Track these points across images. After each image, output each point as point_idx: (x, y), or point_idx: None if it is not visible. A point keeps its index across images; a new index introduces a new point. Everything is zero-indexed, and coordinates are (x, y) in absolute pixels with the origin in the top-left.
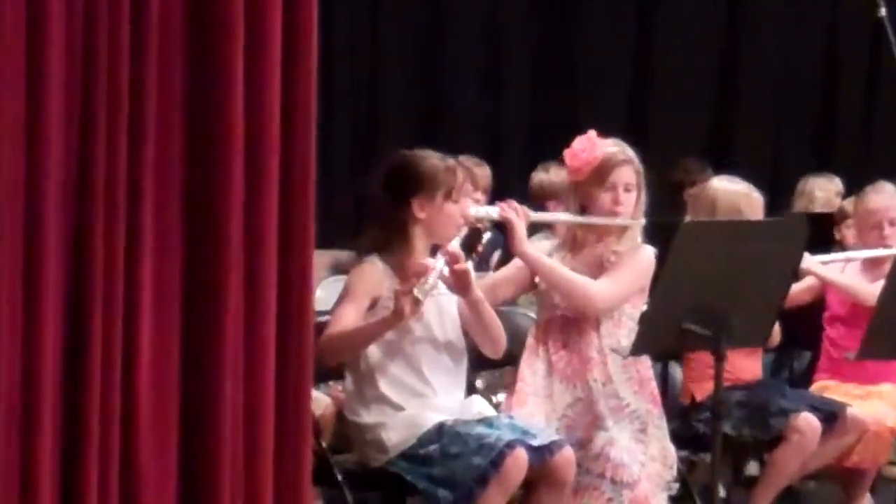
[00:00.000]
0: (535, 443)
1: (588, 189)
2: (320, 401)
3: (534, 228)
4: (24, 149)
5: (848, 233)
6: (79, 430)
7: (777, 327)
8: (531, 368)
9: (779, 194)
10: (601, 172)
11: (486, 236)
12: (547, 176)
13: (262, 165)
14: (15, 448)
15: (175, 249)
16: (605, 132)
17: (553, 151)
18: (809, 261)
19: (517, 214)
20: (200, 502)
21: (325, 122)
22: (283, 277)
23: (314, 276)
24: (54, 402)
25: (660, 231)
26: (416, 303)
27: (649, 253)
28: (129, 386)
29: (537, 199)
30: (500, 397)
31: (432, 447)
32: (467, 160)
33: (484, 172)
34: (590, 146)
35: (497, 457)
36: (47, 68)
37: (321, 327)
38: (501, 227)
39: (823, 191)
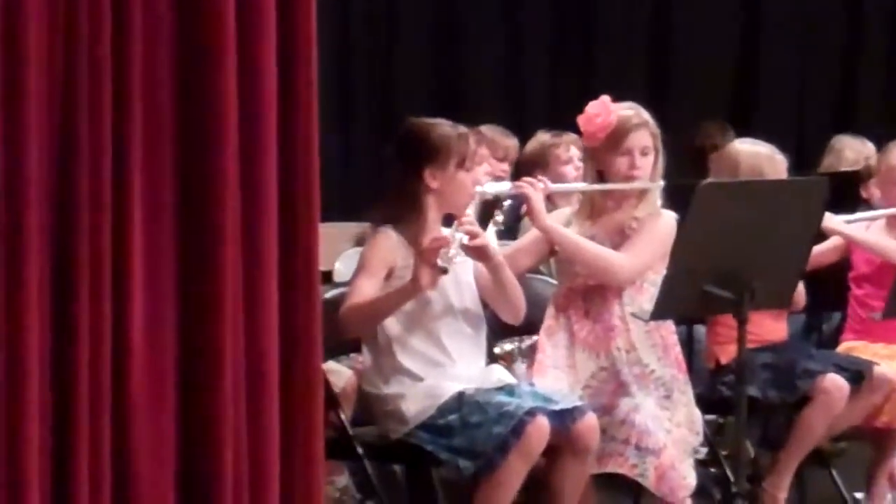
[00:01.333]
0: (557, 408)
1: (604, 154)
2: (342, 374)
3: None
4: (1, 124)
5: (875, 191)
6: (68, 396)
7: (802, 289)
8: (551, 340)
9: (802, 158)
10: (616, 137)
11: (507, 203)
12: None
13: (259, 132)
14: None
15: (168, 232)
16: (626, 98)
17: (574, 118)
18: (833, 220)
19: (533, 187)
20: (202, 477)
21: (344, 93)
22: (286, 249)
23: (335, 249)
24: (42, 374)
25: (680, 195)
26: (443, 272)
27: (670, 219)
28: (120, 369)
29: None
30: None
31: (452, 417)
32: (494, 130)
33: (511, 143)
34: (604, 111)
35: (518, 425)
36: (25, 41)
37: (342, 299)
38: None
39: (854, 151)
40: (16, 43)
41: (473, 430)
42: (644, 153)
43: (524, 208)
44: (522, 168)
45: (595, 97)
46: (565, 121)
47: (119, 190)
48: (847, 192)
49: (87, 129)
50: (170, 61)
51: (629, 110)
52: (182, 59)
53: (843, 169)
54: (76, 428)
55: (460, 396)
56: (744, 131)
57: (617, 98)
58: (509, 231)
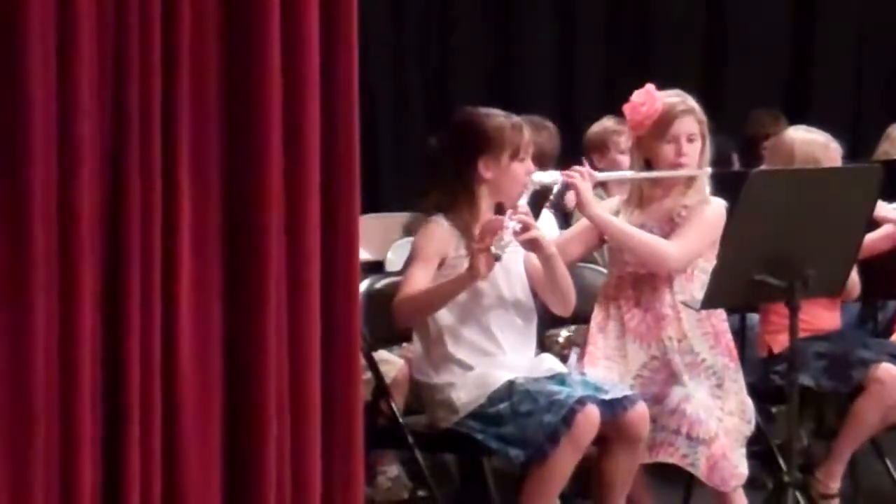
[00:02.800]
0: (608, 398)
1: (650, 143)
2: (394, 363)
3: None
4: (55, 90)
5: None
6: (119, 371)
7: (856, 278)
8: (602, 331)
9: (857, 148)
10: (662, 124)
11: (556, 188)
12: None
13: (301, 123)
14: (55, 420)
15: (214, 220)
16: (682, 87)
17: None
18: (885, 208)
19: (581, 177)
20: (245, 456)
21: (398, 82)
22: (327, 240)
23: (387, 239)
24: (93, 348)
25: (732, 183)
26: (496, 259)
27: (719, 206)
28: (169, 341)
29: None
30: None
31: (502, 405)
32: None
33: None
34: (649, 99)
35: (568, 413)
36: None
37: (394, 288)
38: None
39: None
40: (68, 11)
41: (524, 418)
42: (690, 140)
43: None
44: (584, 151)
45: (661, 90)
46: (619, 110)
47: (168, 187)
48: None
49: (137, 122)
50: (217, 55)
51: (675, 98)
52: (228, 49)
53: None
54: (127, 413)
55: (510, 385)
56: (799, 119)
57: (672, 87)
58: (562, 214)
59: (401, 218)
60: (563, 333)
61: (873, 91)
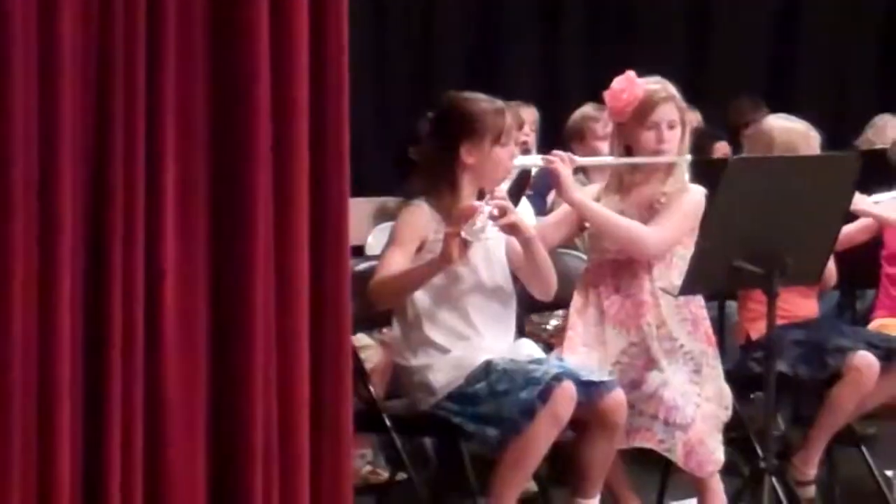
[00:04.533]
0: (584, 378)
1: (631, 129)
2: (373, 349)
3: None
4: (37, 83)
5: None
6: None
7: (833, 267)
8: (582, 317)
9: (840, 138)
10: (643, 111)
11: (534, 171)
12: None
13: (290, 106)
14: (33, 405)
15: (200, 204)
16: (664, 75)
17: None
18: (862, 200)
19: (562, 162)
20: (231, 440)
21: (381, 67)
22: (316, 222)
23: (368, 223)
24: (73, 331)
25: (710, 170)
26: (465, 245)
27: (698, 193)
28: (153, 326)
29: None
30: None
31: (480, 385)
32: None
33: (529, 109)
34: (630, 86)
35: (544, 390)
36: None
37: (372, 273)
38: None
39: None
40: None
41: (501, 397)
42: (671, 127)
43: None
44: (564, 137)
45: (636, 74)
46: (602, 97)
47: (153, 167)
48: (882, 170)
49: (122, 104)
50: (204, 34)
51: (655, 84)
52: (215, 34)
53: (879, 146)
54: (108, 390)
55: (488, 365)
56: (783, 108)
57: (655, 75)
58: (540, 196)
59: (382, 202)
60: (553, 322)
61: (857, 80)
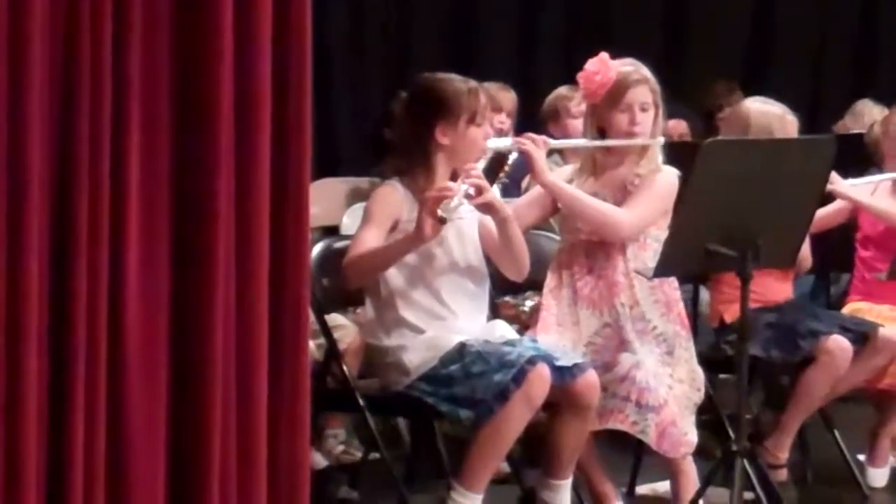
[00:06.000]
0: (558, 363)
1: (604, 111)
2: (348, 328)
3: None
4: (6, 60)
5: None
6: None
7: (808, 251)
8: (556, 297)
9: (818, 119)
10: (616, 93)
11: (513, 157)
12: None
13: (252, 85)
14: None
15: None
16: (641, 58)
17: None
18: (838, 183)
19: (536, 144)
20: (190, 424)
21: (356, 47)
22: (277, 201)
23: (342, 203)
24: (41, 307)
25: (685, 153)
26: (441, 222)
27: (672, 175)
28: (116, 303)
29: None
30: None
31: (454, 367)
32: (491, 86)
33: (508, 95)
34: (603, 68)
35: (518, 373)
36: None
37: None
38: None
39: (873, 118)
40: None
41: (475, 379)
42: (644, 109)
43: None
44: (540, 120)
45: (612, 57)
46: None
47: (116, 152)
48: (858, 155)
49: (87, 84)
50: (167, 13)
51: (629, 66)
52: (178, 7)
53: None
54: (72, 387)
55: (462, 347)
56: (759, 92)
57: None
58: (514, 185)
59: (357, 182)
60: (529, 304)
61: (834, 65)
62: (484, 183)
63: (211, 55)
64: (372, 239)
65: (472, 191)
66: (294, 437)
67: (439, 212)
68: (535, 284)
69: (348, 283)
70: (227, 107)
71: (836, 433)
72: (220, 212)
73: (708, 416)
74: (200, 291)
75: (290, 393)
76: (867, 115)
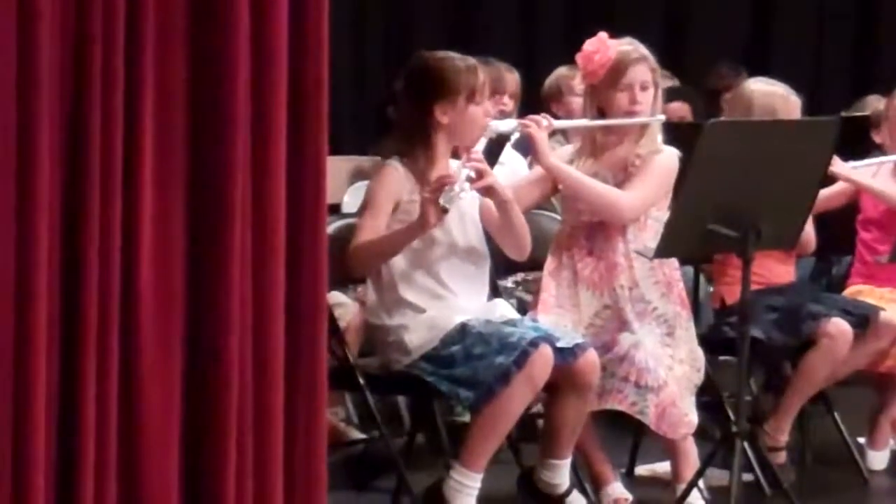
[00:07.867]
0: (560, 344)
1: (604, 91)
2: (348, 306)
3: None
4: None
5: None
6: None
7: (811, 232)
8: (556, 279)
9: (818, 102)
10: (615, 73)
11: (515, 137)
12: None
13: (270, 68)
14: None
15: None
16: (643, 40)
17: None
18: (840, 165)
19: (538, 126)
20: (206, 406)
21: (357, 26)
22: (294, 179)
23: (344, 182)
24: (51, 293)
25: (687, 134)
26: (444, 211)
27: (672, 155)
28: (129, 284)
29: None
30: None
31: (455, 348)
32: (497, 65)
33: (512, 77)
34: (602, 47)
35: (520, 355)
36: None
37: (349, 231)
38: None
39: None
40: None
41: (476, 360)
42: (644, 88)
43: None
44: (542, 100)
45: (614, 37)
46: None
47: (130, 130)
48: (861, 137)
49: (99, 68)
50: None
51: (627, 46)
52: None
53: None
54: (83, 375)
55: (463, 328)
56: (761, 72)
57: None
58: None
59: (358, 161)
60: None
61: (836, 47)
62: (485, 166)
63: (226, 62)
64: (375, 225)
65: (472, 174)
66: (311, 428)
67: (441, 201)
68: (535, 264)
69: (354, 271)
70: (242, 113)
71: (836, 416)
72: (235, 213)
73: (708, 397)
74: (216, 288)
75: (307, 386)
76: (871, 108)
